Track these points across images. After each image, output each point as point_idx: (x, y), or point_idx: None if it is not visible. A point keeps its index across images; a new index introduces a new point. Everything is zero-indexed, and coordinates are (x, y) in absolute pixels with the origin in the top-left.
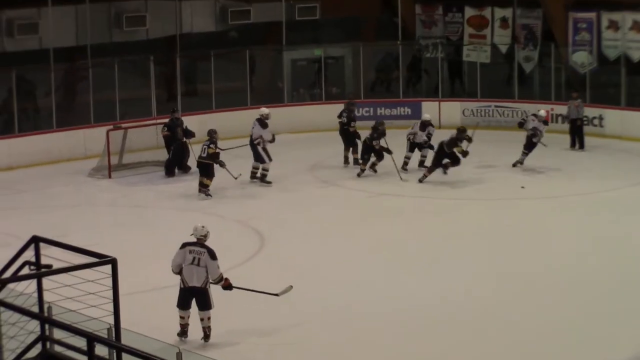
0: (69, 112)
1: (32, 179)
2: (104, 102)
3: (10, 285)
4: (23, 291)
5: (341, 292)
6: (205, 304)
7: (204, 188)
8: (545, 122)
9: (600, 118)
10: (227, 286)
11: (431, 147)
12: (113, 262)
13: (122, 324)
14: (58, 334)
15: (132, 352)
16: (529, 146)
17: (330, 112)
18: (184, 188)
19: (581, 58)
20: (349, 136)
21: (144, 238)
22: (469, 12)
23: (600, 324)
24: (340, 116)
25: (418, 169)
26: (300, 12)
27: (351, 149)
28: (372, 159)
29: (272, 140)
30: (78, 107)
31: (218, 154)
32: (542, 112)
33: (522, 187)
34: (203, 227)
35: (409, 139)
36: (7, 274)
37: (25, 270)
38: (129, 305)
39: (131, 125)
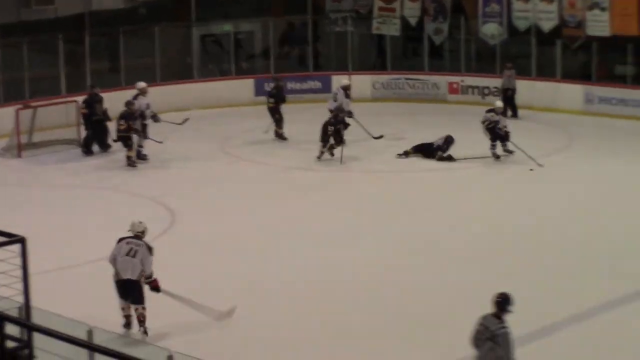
0: None
1: None
2: (13, 82)
3: None
4: None
5: (251, 265)
6: (139, 298)
7: (129, 160)
8: (504, 113)
9: None
10: (155, 287)
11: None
12: (22, 241)
13: (33, 303)
14: None
15: (42, 330)
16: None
17: (240, 87)
18: (95, 166)
19: (491, 30)
20: (270, 111)
21: (55, 217)
22: None
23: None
24: None
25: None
26: None
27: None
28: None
29: (147, 117)
30: None
31: (125, 128)
32: (499, 103)
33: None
34: (140, 222)
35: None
36: None
37: None
38: (40, 284)
39: (41, 104)
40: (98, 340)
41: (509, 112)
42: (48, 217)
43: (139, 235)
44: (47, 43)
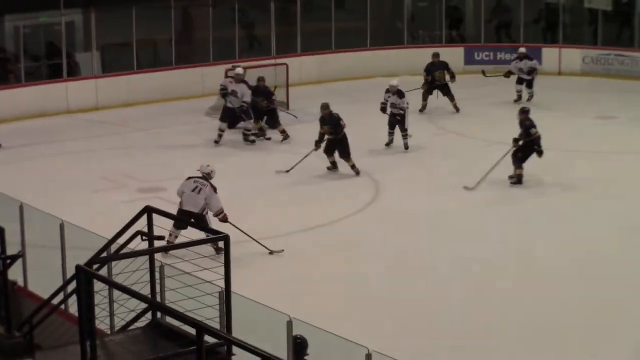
0: (187, 49)
1: (150, 116)
2: (223, 40)
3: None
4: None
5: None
6: (204, 227)
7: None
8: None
9: None
10: (224, 219)
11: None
12: (226, 239)
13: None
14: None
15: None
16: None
17: (449, 55)
18: (294, 130)
19: None
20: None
21: (260, 181)
22: None
23: None
24: None
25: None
26: None
27: None
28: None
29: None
30: (197, 44)
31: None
32: (394, 82)
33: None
34: (208, 165)
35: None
36: (120, 241)
37: (138, 240)
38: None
39: (249, 65)
40: (297, 330)
41: None
42: (252, 183)
43: (205, 177)
44: (258, 2)
